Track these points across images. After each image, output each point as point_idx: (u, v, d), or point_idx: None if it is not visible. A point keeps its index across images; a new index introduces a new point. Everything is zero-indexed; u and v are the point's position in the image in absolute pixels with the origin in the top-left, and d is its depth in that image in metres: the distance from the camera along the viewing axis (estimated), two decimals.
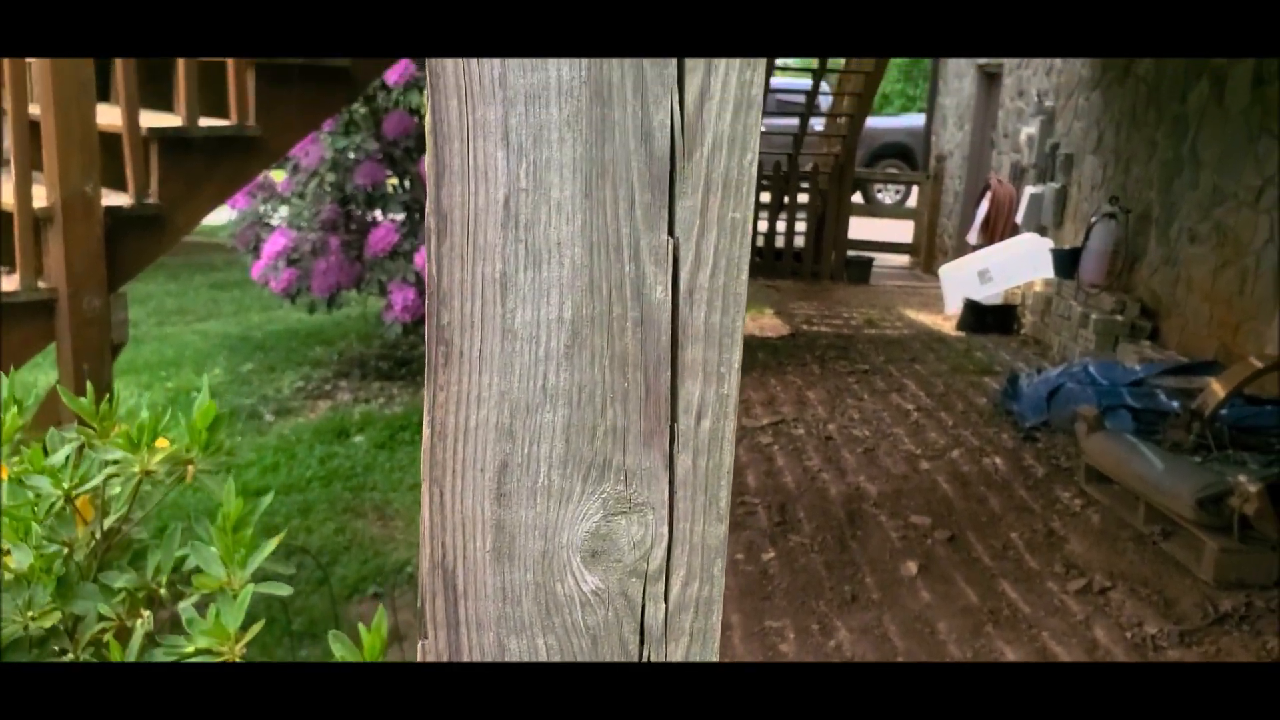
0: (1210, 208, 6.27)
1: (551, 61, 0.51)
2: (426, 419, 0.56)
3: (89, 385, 1.48)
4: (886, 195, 13.58)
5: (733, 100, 0.53)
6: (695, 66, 0.52)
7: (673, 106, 0.52)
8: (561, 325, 0.54)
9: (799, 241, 9.73)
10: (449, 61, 0.51)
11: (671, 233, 0.54)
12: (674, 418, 0.56)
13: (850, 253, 9.80)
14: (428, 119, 0.53)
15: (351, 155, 5.86)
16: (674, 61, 0.52)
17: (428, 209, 0.53)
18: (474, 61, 0.51)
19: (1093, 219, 7.17)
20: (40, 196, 3.24)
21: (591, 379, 0.55)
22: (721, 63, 0.52)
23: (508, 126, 0.52)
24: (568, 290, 0.54)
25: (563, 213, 0.53)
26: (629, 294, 0.54)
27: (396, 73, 5.66)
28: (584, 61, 0.51)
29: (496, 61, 0.51)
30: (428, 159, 0.53)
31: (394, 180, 6.14)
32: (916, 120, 13.45)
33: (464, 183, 0.53)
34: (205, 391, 1.44)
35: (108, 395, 1.44)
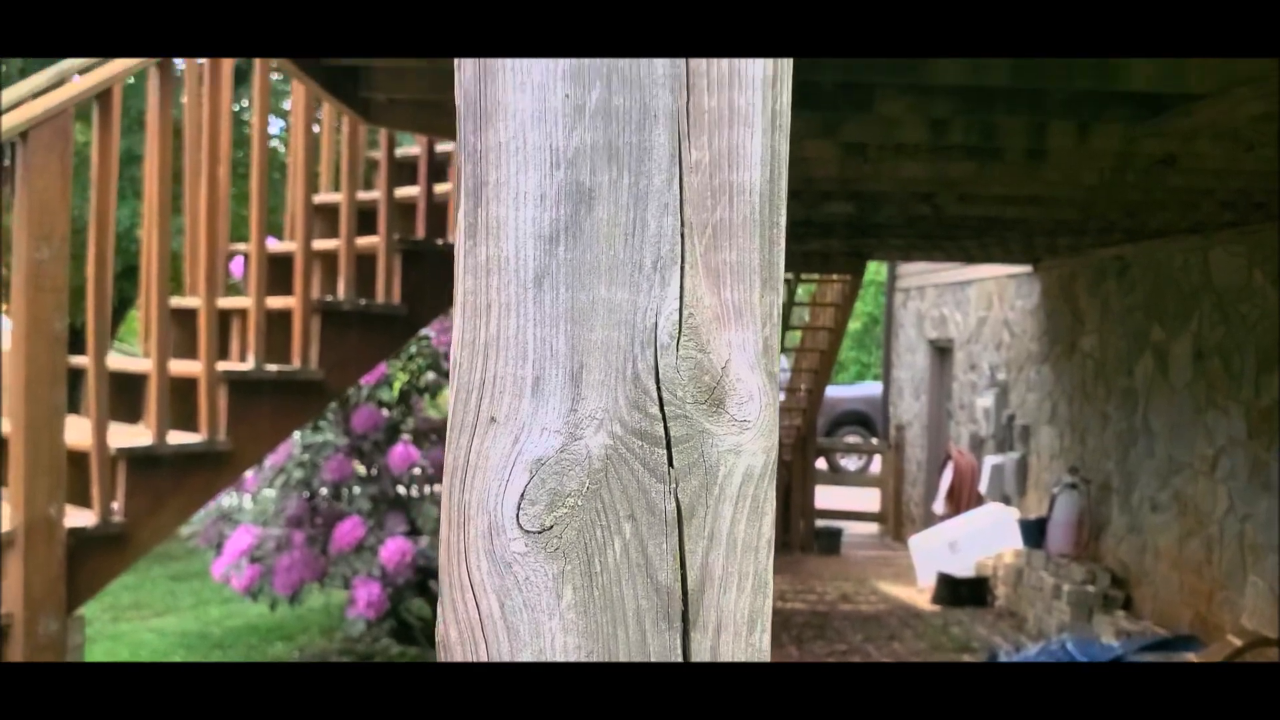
0: (1168, 477, 6.38)
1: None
2: None
3: None
4: (850, 462, 13.74)
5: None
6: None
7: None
8: None
9: None
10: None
11: None
12: None
13: (819, 523, 9.81)
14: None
15: (320, 449, 5.88)
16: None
17: None
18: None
19: (1055, 489, 7.25)
20: (4, 519, 3.20)
21: None
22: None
23: None
24: None
25: None
26: None
27: (368, 375, 5.76)
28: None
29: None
30: None
31: (361, 468, 6.14)
32: (874, 388, 13.80)
33: None
34: None
35: None
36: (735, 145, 0.53)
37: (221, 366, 3.65)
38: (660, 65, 0.52)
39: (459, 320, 0.54)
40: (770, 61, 0.53)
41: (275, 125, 10.48)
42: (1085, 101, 3.34)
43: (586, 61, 0.52)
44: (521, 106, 0.52)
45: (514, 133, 0.53)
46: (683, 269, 0.55)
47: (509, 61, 0.52)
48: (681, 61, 0.52)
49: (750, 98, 0.53)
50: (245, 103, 9.70)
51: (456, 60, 0.53)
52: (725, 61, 0.52)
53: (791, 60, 0.56)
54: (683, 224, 0.54)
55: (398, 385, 6.07)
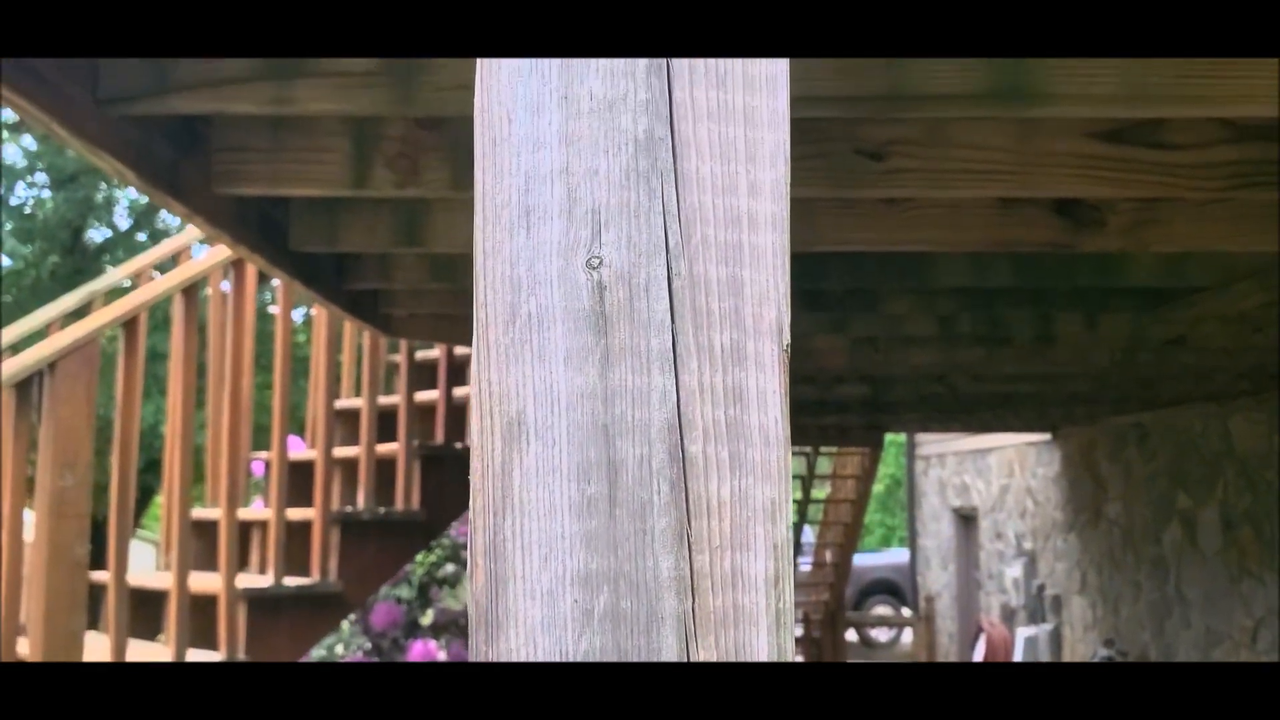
0: (1208, 649, 6.20)
1: None
2: None
3: None
4: (880, 633, 13.43)
5: None
6: None
7: None
8: None
9: None
10: None
11: None
12: None
13: None
14: None
15: (340, 651, 5.80)
16: None
17: None
18: None
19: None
20: None
21: None
22: None
23: None
24: None
25: None
26: None
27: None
28: None
29: None
30: None
31: None
32: (901, 555, 13.58)
33: None
34: None
35: None
36: (742, 643, 0.55)
37: (241, 582, 3.63)
38: (665, 569, 0.54)
39: None
40: (772, 560, 0.56)
41: (297, 313, 10.71)
42: (1088, 296, 3.40)
43: (594, 568, 0.54)
44: (531, 614, 0.54)
45: (524, 639, 0.54)
46: None
47: (520, 569, 0.54)
48: (685, 560, 0.54)
49: (754, 598, 0.55)
50: (269, 295, 9.96)
51: (469, 589, 0.56)
52: (728, 560, 0.55)
53: (793, 553, 0.58)
54: None
55: (417, 578, 6.02)
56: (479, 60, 0.58)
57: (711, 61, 0.57)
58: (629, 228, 0.55)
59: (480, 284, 0.57)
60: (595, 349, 0.55)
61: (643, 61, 0.57)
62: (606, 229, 0.56)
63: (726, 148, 0.56)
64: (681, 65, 0.56)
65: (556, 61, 0.57)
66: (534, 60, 0.58)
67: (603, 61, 0.57)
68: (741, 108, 0.56)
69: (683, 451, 0.56)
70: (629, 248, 0.55)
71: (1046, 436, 8.02)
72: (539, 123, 0.58)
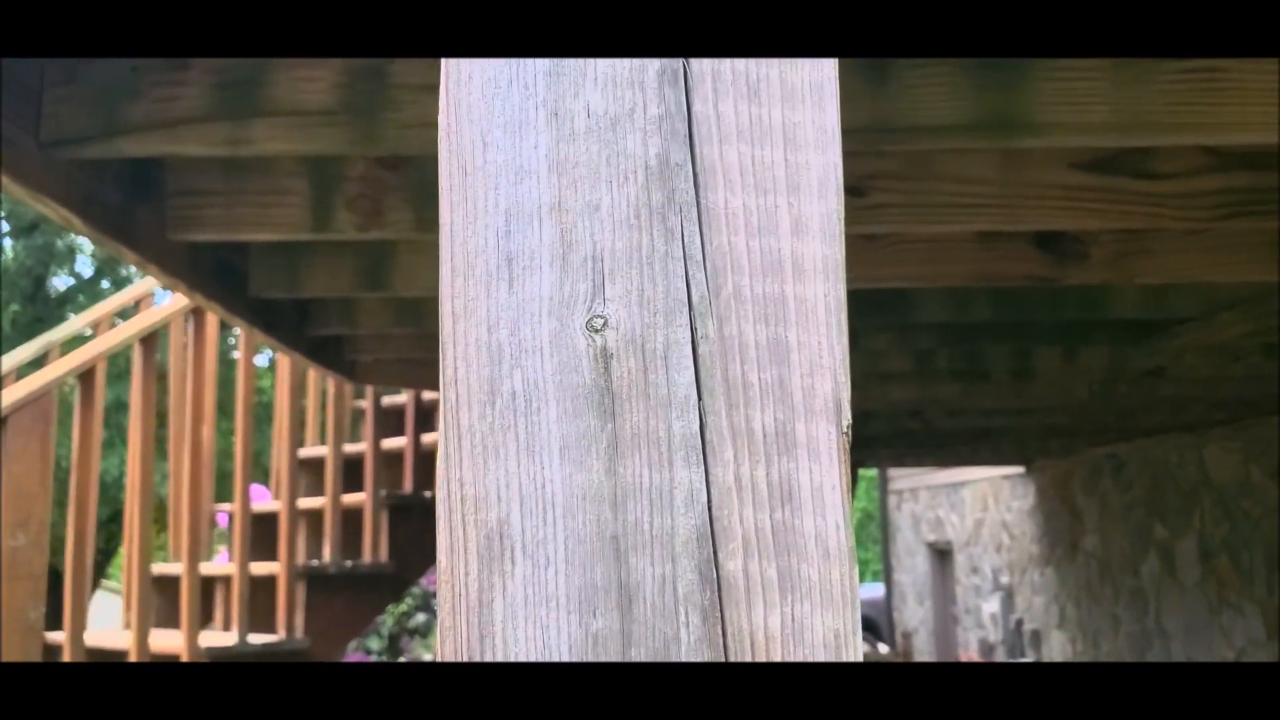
0: None
1: None
2: None
3: None
4: None
5: None
6: None
7: None
8: None
9: None
10: None
11: None
12: None
13: None
14: None
15: None
16: None
17: None
18: None
19: None
20: None
21: None
22: None
23: None
24: None
25: None
26: None
27: None
28: None
29: None
30: None
31: None
32: (876, 590, 13.48)
33: None
34: None
35: None
36: None
37: (204, 640, 3.49)
38: None
39: None
40: None
41: (261, 358, 10.56)
42: (1070, 329, 3.36)
43: None
44: None
45: None
46: None
47: None
48: None
49: None
50: (232, 340, 9.81)
51: None
52: None
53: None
54: None
55: (387, 629, 5.88)
56: (444, 69, 0.47)
57: (741, 64, 0.46)
58: (640, 279, 0.44)
59: (448, 354, 0.45)
60: (600, 436, 0.44)
61: (654, 65, 0.46)
62: (611, 281, 0.44)
63: (763, 175, 0.46)
64: (703, 71, 0.46)
65: (544, 67, 0.46)
66: (515, 65, 0.46)
67: (602, 66, 0.45)
68: (780, 124, 0.46)
69: (717, 570, 0.44)
70: (641, 304, 0.44)
71: (1020, 470, 7.99)
72: (522, 146, 0.46)
